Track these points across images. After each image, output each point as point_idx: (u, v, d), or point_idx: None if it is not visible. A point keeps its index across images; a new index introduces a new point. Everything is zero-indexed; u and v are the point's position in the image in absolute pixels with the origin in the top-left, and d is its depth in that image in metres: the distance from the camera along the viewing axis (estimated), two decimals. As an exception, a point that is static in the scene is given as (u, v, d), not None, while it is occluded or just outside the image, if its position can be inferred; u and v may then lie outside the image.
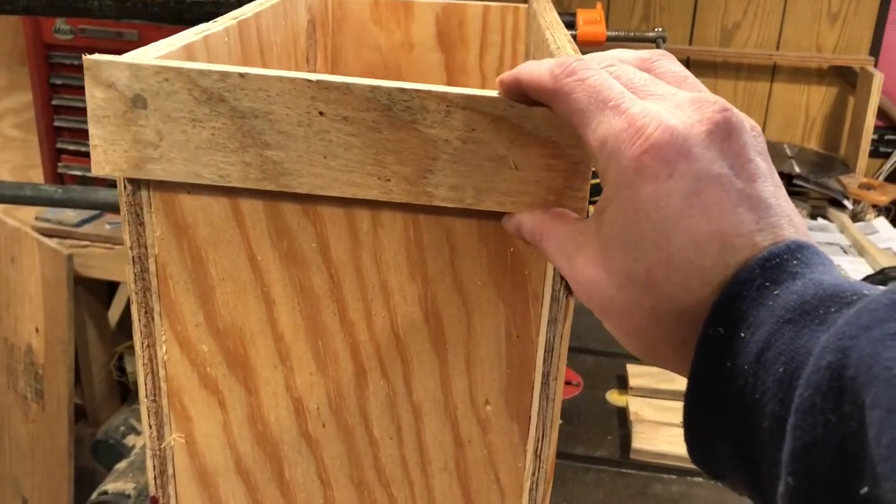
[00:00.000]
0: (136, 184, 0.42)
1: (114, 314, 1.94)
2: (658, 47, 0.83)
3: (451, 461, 0.47)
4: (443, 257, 0.42)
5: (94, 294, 1.81)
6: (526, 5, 0.83)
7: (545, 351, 0.44)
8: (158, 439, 0.47)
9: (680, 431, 1.06)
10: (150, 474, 0.48)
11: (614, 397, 1.09)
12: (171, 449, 0.47)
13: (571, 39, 0.53)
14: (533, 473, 0.46)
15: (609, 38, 0.83)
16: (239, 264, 0.43)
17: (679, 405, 1.07)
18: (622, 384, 1.12)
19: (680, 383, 1.06)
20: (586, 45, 0.88)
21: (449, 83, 0.87)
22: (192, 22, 0.53)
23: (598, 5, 0.89)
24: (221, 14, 0.57)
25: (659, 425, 0.99)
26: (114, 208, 1.06)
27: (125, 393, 1.92)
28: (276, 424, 0.46)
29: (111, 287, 1.90)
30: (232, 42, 0.53)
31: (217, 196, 0.42)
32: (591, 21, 0.84)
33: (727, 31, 1.99)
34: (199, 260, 0.43)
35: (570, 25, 0.89)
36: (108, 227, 1.71)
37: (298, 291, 0.44)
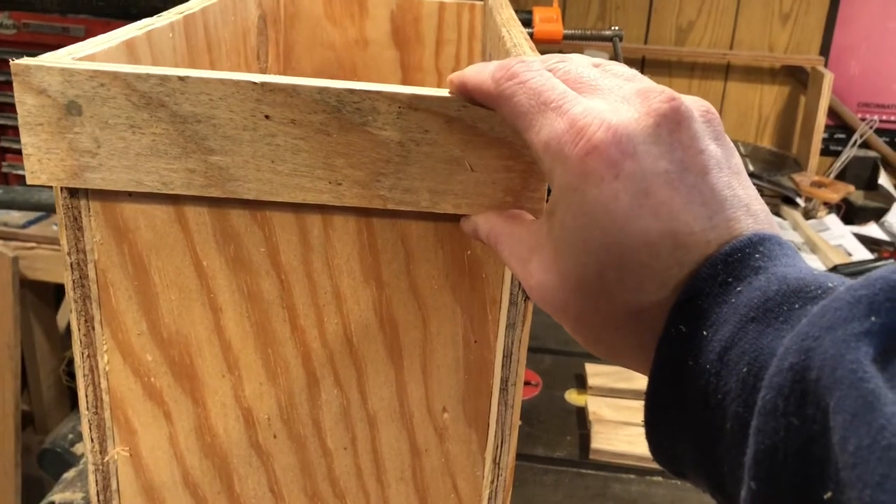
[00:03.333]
0: (74, 189, 0.39)
1: (62, 317, 1.89)
2: (614, 46, 0.83)
3: (408, 470, 0.45)
4: (398, 261, 0.41)
5: (41, 297, 1.76)
6: (482, 2, 0.82)
7: (504, 356, 0.43)
8: (101, 453, 0.45)
9: (639, 431, 1.06)
10: (93, 490, 0.46)
11: (573, 397, 1.09)
12: (115, 463, 0.45)
13: (528, 37, 0.52)
14: (492, 482, 0.45)
15: (566, 37, 0.83)
16: (183, 270, 0.41)
17: (638, 404, 1.07)
18: (581, 383, 1.12)
19: (639, 382, 1.06)
20: (543, 44, 0.87)
21: (404, 81, 0.86)
22: (139, 17, 0.51)
23: (555, 3, 0.89)
24: (168, 9, 0.55)
25: (618, 425, 0.99)
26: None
27: (75, 399, 1.87)
28: (225, 436, 0.45)
29: (59, 290, 1.85)
30: (177, 38, 0.51)
31: (159, 200, 0.40)
32: (548, 19, 0.83)
33: (682, 30, 2.01)
34: (141, 266, 0.41)
35: (527, 23, 0.89)
36: (55, 228, 1.66)
37: (246, 298, 0.42)
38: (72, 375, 1.84)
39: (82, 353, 0.43)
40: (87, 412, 0.44)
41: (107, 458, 0.45)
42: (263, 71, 0.75)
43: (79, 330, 0.43)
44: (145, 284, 0.42)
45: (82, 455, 1.53)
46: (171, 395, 0.44)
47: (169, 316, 0.42)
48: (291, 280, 0.42)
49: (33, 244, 1.64)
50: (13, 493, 1.52)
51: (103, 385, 0.44)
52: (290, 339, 0.43)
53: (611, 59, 0.46)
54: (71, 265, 0.41)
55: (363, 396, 0.44)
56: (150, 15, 0.51)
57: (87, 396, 0.44)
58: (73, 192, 0.40)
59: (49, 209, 1.07)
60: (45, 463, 1.43)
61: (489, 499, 0.46)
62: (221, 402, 0.44)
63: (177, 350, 0.43)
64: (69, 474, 1.19)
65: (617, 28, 0.84)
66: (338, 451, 0.45)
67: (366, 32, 0.84)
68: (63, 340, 1.86)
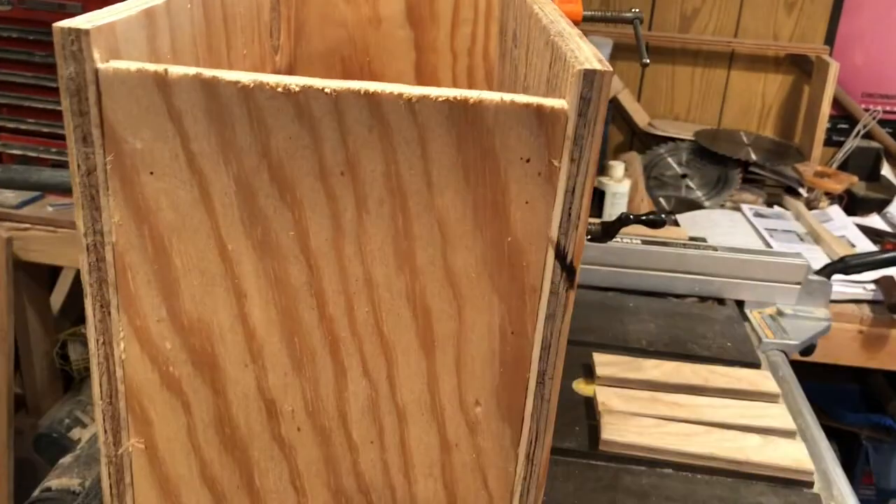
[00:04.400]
0: (92, 166, 0.37)
1: (56, 299, 1.86)
2: (635, 28, 0.81)
3: (437, 466, 0.43)
4: (434, 247, 0.39)
5: (35, 279, 1.73)
6: (500, -19, 0.80)
7: (542, 348, 0.41)
8: (115, 445, 0.43)
9: (649, 422, 1.04)
10: (105, 483, 0.44)
11: (581, 387, 1.07)
12: (129, 455, 0.43)
13: (562, 13, 0.50)
14: (524, 479, 0.43)
15: (585, 18, 0.81)
16: (207, 254, 0.39)
17: (648, 395, 1.05)
18: (589, 373, 1.10)
19: (648, 372, 1.04)
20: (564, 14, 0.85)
21: (418, 62, 0.83)
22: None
23: (574, -17, 0.86)
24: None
25: (627, 415, 0.97)
26: (58, 189, 1.00)
27: (68, 381, 1.84)
28: (247, 428, 0.43)
29: (53, 272, 1.82)
30: (195, 10, 0.49)
31: (183, 179, 0.38)
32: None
33: (686, 17, 1.98)
34: (161, 249, 0.39)
35: (545, 4, 0.86)
36: (50, 209, 1.62)
37: (273, 284, 0.40)
38: (65, 358, 1.82)
39: (97, 340, 0.41)
40: (100, 402, 0.42)
41: (121, 451, 0.43)
42: (275, 49, 0.72)
43: (94, 316, 0.40)
44: (166, 268, 0.39)
45: (79, 440, 1.50)
46: (191, 384, 0.42)
47: (190, 302, 0.40)
48: (321, 266, 0.39)
49: (28, 225, 1.61)
50: (6, 475, 1.49)
51: (118, 374, 0.41)
52: (318, 327, 0.41)
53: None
54: (87, 247, 0.39)
55: (392, 388, 0.42)
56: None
57: (101, 385, 0.42)
58: (91, 169, 0.38)
59: (48, 189, 1.04)
60: (40, 448, 1.41)
61: (521, 496, 0.44)
62: (243, 392, 0.42)
63: (198, 338, 0.41)
64: (66, 460, 1.16)
65: (637, 10, 0.82)
66: (364, 444, 0.43)
67: (379, 10, 0.81)
68: (57, 323, 1.83)
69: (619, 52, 1.91)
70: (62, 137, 1.58)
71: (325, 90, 0.36)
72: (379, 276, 0.40)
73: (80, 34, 0.35)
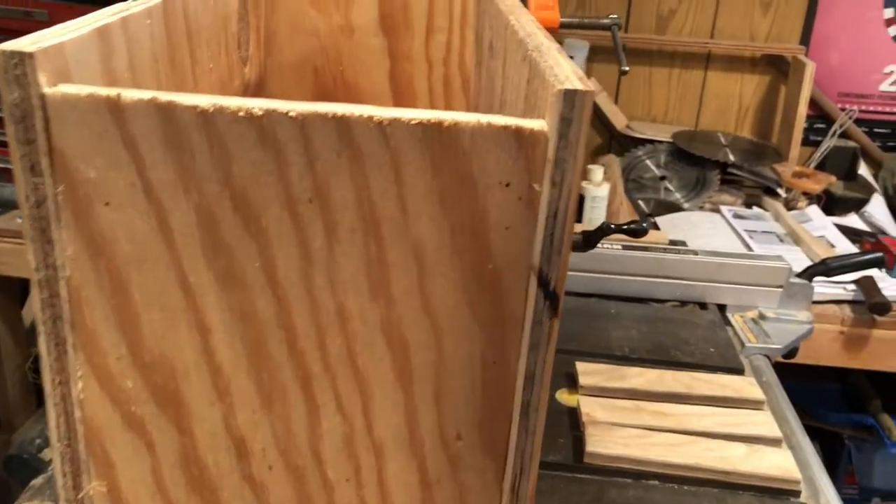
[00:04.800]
0: (42, 196, 0.35)
1: (28, 313, 1.82)
2: (613, 34, 0.79)
3: (417, 503, 0.41)
4: (410, 276, 0.37)
5: (5, 292, 1.69)
6: (475, -12, 0.78)
7: (525, 378, 0.39)
8: (75, 489, 0.40)
9: (634, 432, 1.02)
10: (66, 528, 0.41)
11: (564, 397, 1.05)
12: (91, 499, 0.41)
13: (539, 24, 0.48)
14: (509, 514, 0.41)
15: (562, 25, 0.79)
16: (168, 287, 0.37)
17: (632, 405, 1.03)
18: (572, 383, 1.08)
19: (632, 381, 1.03)
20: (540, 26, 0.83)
21: (392, 71, 0.81)
22: (111, 2, 0.46)
23: (550, -11, 0.85)
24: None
25: (612, 426, 0.96)
26: (21, 206, 0.96)
27: (41, 396, 1.80)
28: (215, 468, 0.40)
29: (24, 284, 1.78)
30: (155, 25, 0.46)
31: (140, 209, 0.35)
32: (544, 6, 0.79)
33: (663, 18, 1.97)
34: (119, 283, 0.37)
35: (522, 10, 0.85)
36: (19, 220, 1.58)
37: (239, 318, 0.37)
38: (38, 372, 1.78)
39: (53, 381, 0.38)
40: (58, 444, 0.40)
41: (81, 495, 0.40)
42: (244, 60, 0.70)
43: (49, 354, 0.38)
44: (125, 303, 0.37)
45: (50, 461, 1.47)
46: (155, 424, 0.39)
47: (151, 338, 0.38)
48: (290, 297, 0.37)
49: (-4, 238, 1.57)
50: (-24, 498, 1.45)
51: (77, 414, 0.39)
52: (288, 362, 0.38)
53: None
54: (39, 282, 0.36)
55: (369, 423, 0.40)
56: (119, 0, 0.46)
57: (58, 427, 0.39)
58: (41, 201, 0.35)
59: (12, 206, 1.01)
60: (11, 469, 1.37)
61: (506, 532, 0.42)
62: (211, 431, 0.40)
63: (160, 375, 0.38)
64: (37, 481, 1.13)
65: (615, 17, 0.80)
66: (340, 483, 0.41)
67: (351, 19, 0.79)
68: (28, 336, 1.79)
69: (595, 55, 1.90)
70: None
71: (290, 113, 0.34)
72: (352, 307, 0.37)
73: (23, 57, 0.33)
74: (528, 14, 0.51)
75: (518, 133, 0.34)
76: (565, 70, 0.36)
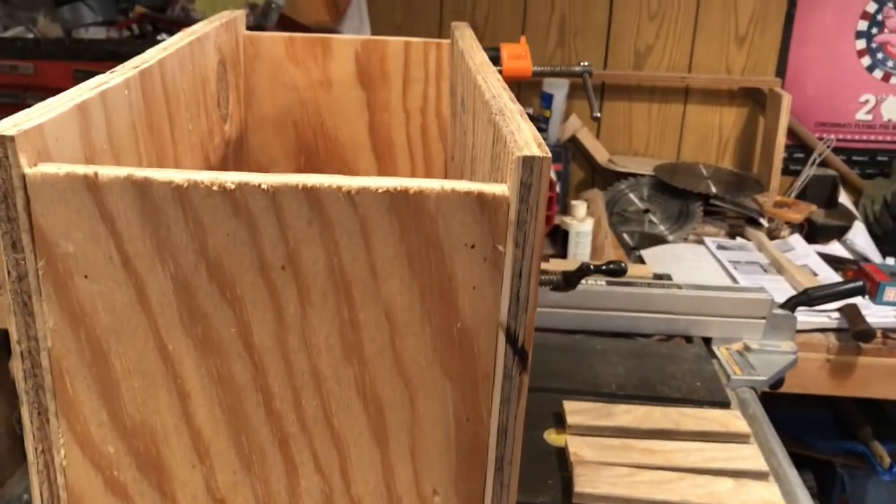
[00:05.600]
0: (23, 272, 0.36)
1: (14, 364, 1.81)
2: (584, 82, 0.81)
3: (397, 558, 0.42)
4: (381, 337, 0.38)
5: (-9, 345, 1.69)
6: (449, 41, 0.80)
7: (498, 433, 0.40)
8: (59, 555, 0.41)
9: (623, 471, 1.02)
10: None
11: (552, 437, 1.06)
12: (75, 565, 0.41)
13: (506, 86, 0.50)
14: (488, 566, 0.42)
15: (535, 74, 0.81)
16: (147, 355, 0.38)
17: (620, 443, 1.03)
18: (559, 422, 1.09)
19: (620, 419, 1.03)
20: (512, 80, 0.85)
21: (371, 122, 0.83)
22: (91, 59, 0.48)
23: (523, 39, 0.87)
24: (122, 53, 0.52)
25: (600, 465, 0.96)
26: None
27: (30, 449, 1.79)
28: (197, 530, 0.41)
29: (8, 336, 1.78)
30: (133, 94, 0.48)
31: (118, 281, 0.36)
32: (516, 56, 0.81)
33: (640, 54, 2.01)
34: (100, 352, 0.38)
35: (495, 60, 0.87)
36: (5, 273, 1.59)
37: (216, 382, 0.39)
38: (26, 425, 1.77)
39: (36, 449, 0.39)
40: (42, 511, 0.40)
41: (66, 560, 0.41)
42: (224, 118, 0.71)
43: (31, 423, 0.39)
44: (105, 372, 0.38)
45: (39, 513, 1.45)
46: (137, 488, 0.40)
47: (132, 404, 0.39)
48: (266, 361, 0.38)
49: (-18, 291, 1.57)
50: (-35, 555, 1.44)
51: (60, 481, 0.40)
52: (266, 424, 0.39)
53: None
54: (21, 354, 0.37)
55: (346, 481, 0.41)
56: (103, 59, 0.48)
57: (41, 494, 0.40)
58: (23, 275, 0.36)
59: None
60: (-1, 525, 1.35)
61: (485, 584, 0.42)
62: (192, 494, 0.40)
63: (142, 440, 0.39)
64: (25, 539, 1.12)
65: (587, 64, 0.82)
66: (320, 540, 0.41)
67: (330, 73, 0.81)
68: (15, 389, 1.79)
69: (575, 92, 1.93)
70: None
71: (262, 186, 0.35)
72: (326, 368, 0.38)
73: (4, 140, 0.34)
74: (496, 73, 0.53)
75: (480, 198, 0.36)
76: (525, 135, 0.38)
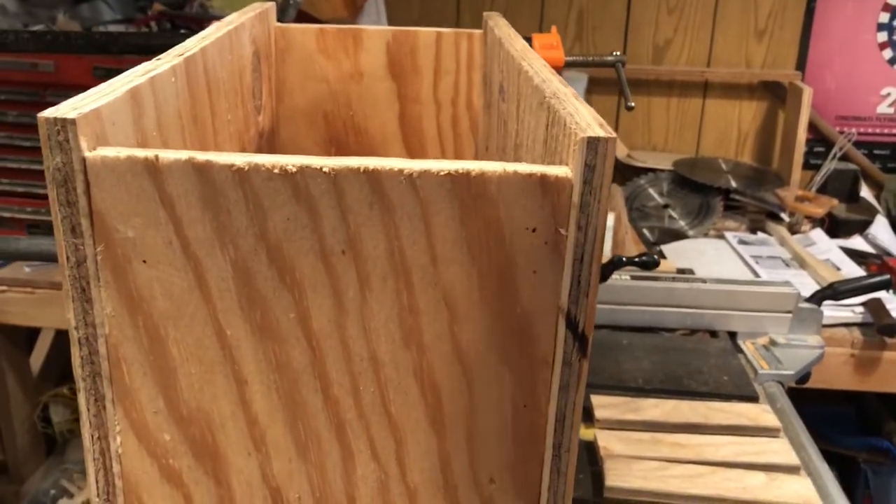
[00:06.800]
0: (82, 257, 0.36)
1: (36, 361, 1.81)
2: (618, 72, 0.81)
3: (452, 546, 0.42)
4: (440, 322, 0.38)
5: (13, 341, 1.69)
6: (480, 31, 0.79)
7: (556, 420, 0.39)
8: (113, 543, 0.41)
9: (653, 465, 1.02)
10: (104, 583, 0.41)
11: (581, 431, 1.05)
12: (129, 553, 0.41)
13: (553, 70, 0.49)
14: (544, 555, 0.42)
15: (567, 64, 0.80)
16: (204, 341, 0.38)
17: (649, 437, 1.03)
18: (588, 417, 1.08)
19: (648, 413, 1.03)
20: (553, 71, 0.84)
21: (402, 113, 0.83)
22: (119, 53, 0.48)
23: (554, 29, 0.86)
24: (151, 46, 0.52)
25: (631, 459, 0.96)
26: (36, 258, 0.97)
27: (51, 445, 1.79)
28: (252, 518, 0.41)
29: (32, 333, 1.78)
30: (179, 82, 0.48)
31: (177, 266, 0.36)
32: (548, 46, 0.80)
33: (659, 48, 2.00)
34: (157, 339, 0.37)
35: (527, 51, 0.86)
36: (27, 269, 1.59)
37: (274, 368, 0.38)
38: (47, 421, 1.77)
39: (92, 436, 0.39)
40: (97, 499, 0.40)
41: (120, 548, 0.41)
42: (258, 109, 0.71)
43: (88, 410, 0.38)
44: (162, 358, 0.38)
45: (65, 510, 1.46)
46: (192, 476, 0.40)
47: (189, 391, 0.38)
48: (324, 347, 0.38)
49: (4, 287, 1.58)
50: (-10, 549, 1.44)
51: (116, 469, 0.39)
52: (322, 410, 0.39)
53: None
54: (79, 340, 0.37)
55: (402, 469, 0.40)
56: (130, 53, 0.48)
57: (97, 482, 0.40)
58: (81, 261, 0.36)
59: (27, 258, 1.02)
60: (25, 520, 1.36)
61: (541, 573, 0.42)
62: (247, 481, 0.40)
63: (198, 428, 0.39)
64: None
65: (619, 53, 0.82)
66: (375, 528, 0.41)
67: (360, 65, 0.80)
68: (37, 385, 1.79)
69: (594, 86, 1.92)
70: (37, 196, 1.55)
71: (324, 169, 0.35)
72: (384, 354, 0.38)
73: (66, 124, 0.34)
74: (540, 59, 0.52)
75: (543, 180, 0.35)
76: (586, 117, 0.37)
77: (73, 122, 0.34)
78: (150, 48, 0.56)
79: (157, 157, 0.34)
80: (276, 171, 0.35)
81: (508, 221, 0.36)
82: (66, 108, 0.35)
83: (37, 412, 1.77)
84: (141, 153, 0.35)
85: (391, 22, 1.90)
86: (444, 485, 0.40)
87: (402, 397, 0.39)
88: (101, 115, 0.36)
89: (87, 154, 0.34)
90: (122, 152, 0.35)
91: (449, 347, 0.38)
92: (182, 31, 1.72)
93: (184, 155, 0.34)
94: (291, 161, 0.35)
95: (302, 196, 0.35)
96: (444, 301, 0.37)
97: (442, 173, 0.35)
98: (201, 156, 0.35)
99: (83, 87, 0.38)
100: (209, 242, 0.36)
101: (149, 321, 0.37)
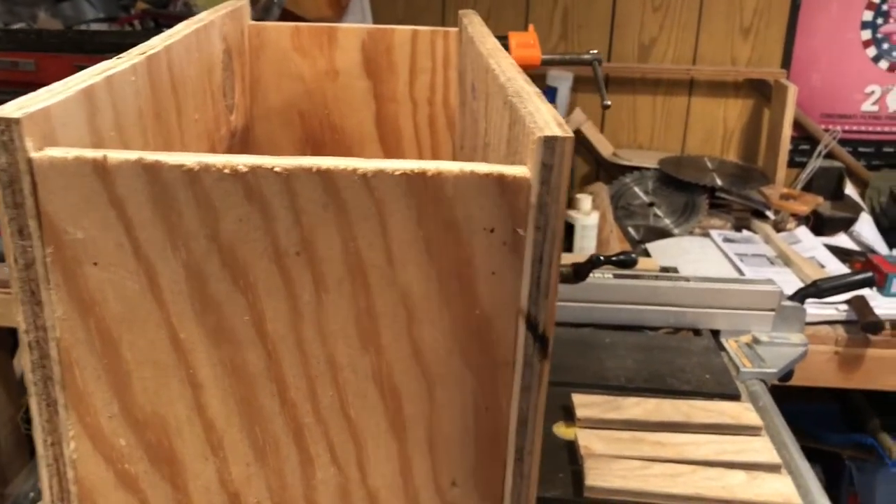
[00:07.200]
0: (31, 260, 0.35)
1: (19, 363, 1.80)
2: (594, 70, 0.80)
3: (415, 551, 0.41)
4: (399, 324, 0.37)
5: (-8, 341, 1.68)
6: (456, 29, 0.79)
7: (518, 423, 0.39)
8: (69, 550, 0.40)
9: (633, 464, 1.01)
10: (61, 590, 0.41)
11: (561, 430, 1.05)
12: (85, 560, 0.40)
13: (519, 69, 0.49)
14: (507, 559, 0.41)
15: (544, 62, 0.80)
16: (158, 344, 0.37)
17: (630, 436, 1.02)
18: (568, 415, 1.08)
19: (629, 411, 1.03)
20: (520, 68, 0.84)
21: (378, 112, 0.82)
22: (94, 52, 0.47)
23: (531, 27, 0.86)
24: (126, 45, 0.51)
25: (611, 458, 0.95)
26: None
27: (34, 448, 1.78)
28: (210, 523, 0.40)
29: (14, 334, 1.77)
30: (140, 81, 0.47)
31: (129, 268, 0.35)
32: (525, 44, 0.80)
33: (644, 46, 2.00)
34: (110, 342, 0.37)
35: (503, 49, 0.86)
36: (7, 269, 1.58)
37: (230, 372, 0.38)
38: (30, 423, 1.76)
39: (45, 441, 0.38)
40: (52, 506, 0.39)
41: (76, 555, 0.40)
42: (230, 108, 0.70)
43: (40, 415, 0.38)
44: (115, 362, 0.37)
45: (44, 511, 1.44)
46: (148, 481, 0.39)
47: (143, 395, 0.38)
48: (280, 350, 0.37)
49: (-15, 288, 1.56)
50: (-29, 553, 1.43)
51: (70, 475, 0.39)
52: (280, 414, 0.38)
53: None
54: (29, 344, 0.36)
55: (363, 473, 0.40)
56: (106, 51, 0.47)
57: (51, 488, 0.39)
58: (30, 263, 0.35)
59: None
60: (4, 523, 1.35)
61: (505, 577, 0.41)
62: (205, 486, 0.39)
63: (153, 432, 0.38)
64: (32, 537, 1.11)
65: (596, 52, 0.81)
66: (336, 533, 0.40)
67: (336, 63, 0.80)
68: (20, 387, 1.78)
69: (579, 85, 1.92)
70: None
71: (275, 169, 0.34)
72: (342, 357, 0.38)
73: (10, 123, 0.33)
74: (508, 58, 0.52)
75: (500, 180, 0.35)
76: (545, 116, 0.37)
77: (17, 121, 0.33)
78: (127, 47, 0.56)
79: (105, 157, 0.34)
80: (226, 171, 0.34)
81: (466, 222, 0.36)
82: (12, 108, 0.34)
83: (20, 414, 1.75)
84: (89, 153, 0.34)
85: (376, 21, 1.90)
86: (405, 488, 0.40)
87: (361, 401, 0.38)
88: (50, 114, 0.35)
89: (34, 154, 0.34)
90: (70, 153, 0.34)
91: (408, 350, 0.37)
92: (164, 31, 1.71)
93: (133, 155, 0.34)
94: (242, 161, 0.34)
95: (254, 197, 0.35)
96: (402, 303, 0.37)
97: (397, 173, 0.35)
98: (150, 156, 0.34)
99: (64, 86, 0.38)
100: (161, 244, 0.35)
101: (101, 324, 0.36)
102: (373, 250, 0.36)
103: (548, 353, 0.37)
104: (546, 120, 0.36)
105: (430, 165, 0.35)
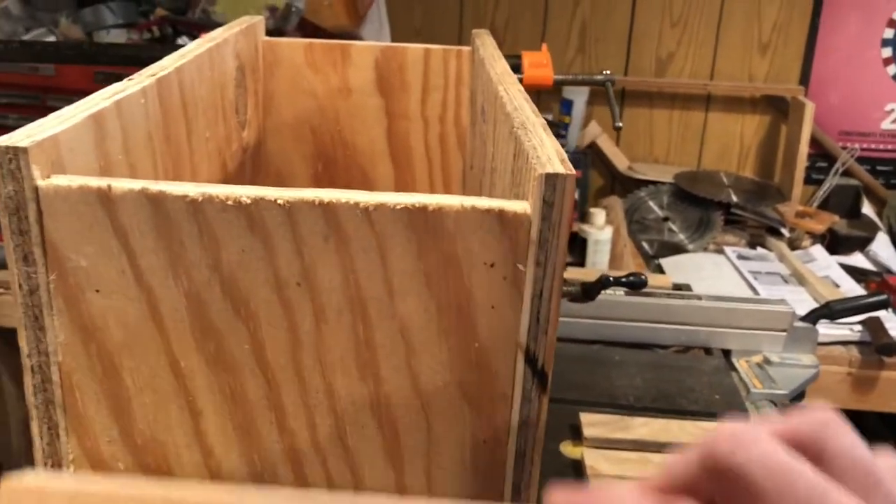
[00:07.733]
0: (34, 286, 0.35)
1: (32, 364, 1.82)
2: (607, 91, 0.81)
3: (411, 581, 0.41)
4: (397, 356, 0.37)
5: (9, 343, 1.69)
6: (469, 48, 0.79)
7: (516, 457, 0.39)
8: (67, 571, 0.40)
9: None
10: None
11: (568, 449, 1.05)
12: (83, 581, 0.40)
13: (528, 98, 0.49)
14: (503, 592, 0.41)
15: (556, 82, 0.80)
16: (159, 371, 0.37)
17: (637, 456, 1.02)
18: (576, 434, 1.07)
19: (637, 431, 1.02)
20: (532, 89, 0.84)
21: (389, 129, 0.82)
22: (109, 64, 0.47)
23: (544, 47, 0.86)
24: (141, 58, 0.51)
25: (617, 479, 0.95)
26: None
27: (46, 448, 1.80)
28: (207, 548, 0.40)
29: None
30: (150, 103, 0.47)
31: (130, 296, 0.36)
32: (538, 64, 0.80)
33: (662, 61, 1.99)
34: (111, 368, 0.37)
35: (516, 69, 0.86)
36: (24, 274, 1.59)
37: (229, 399, 0.38)
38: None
39: (45, 464, 0.38)
40: (51, 527, 0.40)
41: (74, 576, 0.40)
42: (242, 125, 0.71)
43: (41, 438, 0.38)
44: (116, 387, 0.37)
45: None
46: (146, 506, 0.39)
47: (143, 421, 0.38)
48: (279, 379, 0.37)
49: (0, 290, 1.58)
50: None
51: (69, 497, 0.39)
52: (278, 442, 0.38)
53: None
54: (32, 368, 0.37)
55: None
56: (121, 63, 0.47)
57: (51, 510, 0.39)
58: (34, 289, 0.36)
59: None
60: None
61: None
62: (202, 512, 0.39)
63: (153, 457, 0.39)
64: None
65: (608, 72, 0.81)
66: (332, 561, 0.40)
67: (349, 80, 0.80)
68: (33, 388, 1.79)
69: (595, 98, 1.92)
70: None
71: (278, 201, 0.34)
72: (340, 387, 0.38)
73: (17, 152, 0.33)
74: (517, 84, 0.52)
75: (501, 216, 0.35)
76: (548, 151, 0.37)
77: (24, 150, 0.33)
78: (144, 59, 0.56)
79: (109, 186, 0.34)
80: (230, 202, 0.34)
81: (466, 256, 0.36)
82: (20, 136, 0.34)
83: (32, 415, 1.77)
84: (94, 182, 0.34)
85: (393, 31, 1.90)
86: (401, 519, 0.40)
87: (359, 431, 0.38)
88: (58, 141, 0.36)
89: (40, 183, 0.34)
90: (75, 181, 0.34)
91: (406, 381, 0.37)
92: (183, 37, 1.72)
93: (137, 185, 0.34)
94: (246, 192, 0.34)
95: (257, 227, 0.35)
96: (401, 334, 0.37)
97: (398, 207, 0.35)
98: (154, 186, 0.34)
99: (85, 93, 0.38)
100: (163, 273, 0.35)
101: (102, 350, 0.37)
102: (373, 282, 0.36)
103: (547, 388, 0.37)
104: (549, 155, 0.36)
105: (431, 200, 0.35)
